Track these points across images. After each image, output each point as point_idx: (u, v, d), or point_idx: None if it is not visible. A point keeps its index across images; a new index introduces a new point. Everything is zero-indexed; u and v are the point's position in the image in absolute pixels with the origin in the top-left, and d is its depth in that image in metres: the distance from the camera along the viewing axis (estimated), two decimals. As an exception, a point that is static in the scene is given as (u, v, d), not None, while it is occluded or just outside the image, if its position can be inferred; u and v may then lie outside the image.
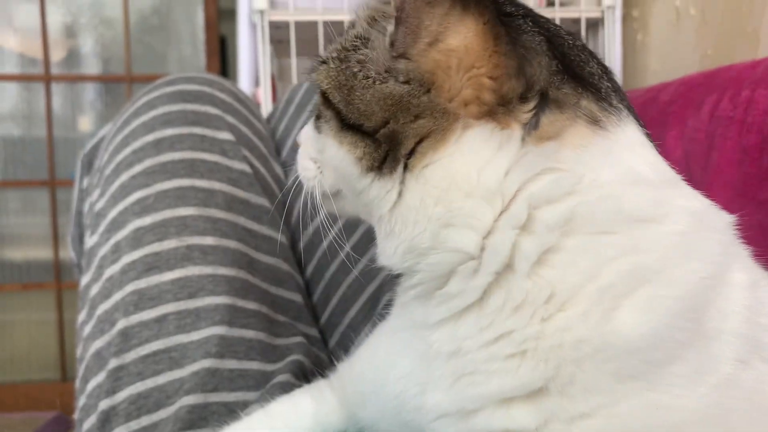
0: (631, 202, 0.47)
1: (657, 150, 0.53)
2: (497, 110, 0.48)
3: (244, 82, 1.85)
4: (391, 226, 0.52)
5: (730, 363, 0.45)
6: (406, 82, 0.49)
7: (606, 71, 0.54)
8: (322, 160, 0.57)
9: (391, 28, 0.50)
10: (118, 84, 3.08)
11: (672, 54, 1.63)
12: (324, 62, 0.55)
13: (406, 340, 0.54)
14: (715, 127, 1.05)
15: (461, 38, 0.48)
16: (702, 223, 0.49)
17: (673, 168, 0.53)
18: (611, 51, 1.71)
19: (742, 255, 0.51)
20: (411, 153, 0.49)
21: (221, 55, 3.20)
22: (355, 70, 0.52)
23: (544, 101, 0.48)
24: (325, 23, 1.63)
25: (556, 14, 1.68)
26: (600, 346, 0.44)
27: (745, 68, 1.06)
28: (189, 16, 3.14)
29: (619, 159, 0.49)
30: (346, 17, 1.64)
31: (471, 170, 0.48)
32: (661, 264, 0.46)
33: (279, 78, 1.98)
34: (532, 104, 0.48)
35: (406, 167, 0.50)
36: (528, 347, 0.46)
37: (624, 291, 0.45)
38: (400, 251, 0.51)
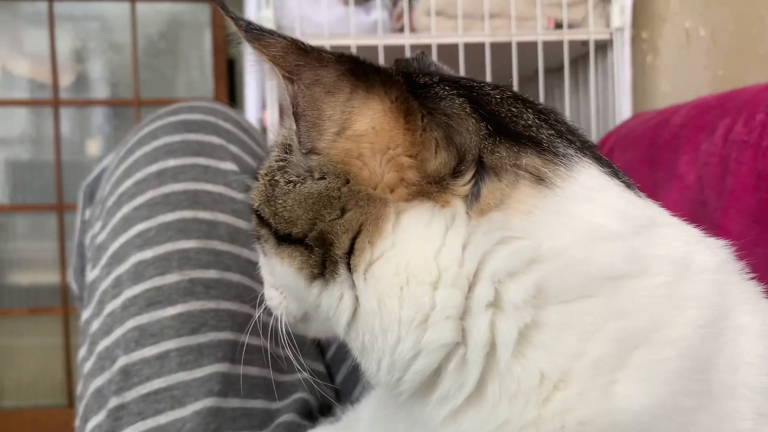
0: (599, 262, 0.43)
1: (631, 185, 0.49)
2: (430, 189, 0.44)
3: (251, 105, 1.84)
4: (360, 339, 0.47)
5: (750, 419, 0.42)
6: (322, 178, 0.46)
7: (546, 117, 0.50)
8: (278, 284, 0.54)
9: (294, 126, 0.47)
10: (126, 108, 3.09)
11: (682, 76, 1.61)
12: (255, 179, 0.53)
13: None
14: (729, 151, 1.03)
15: (368, 121, 0.45)
16: (689, 267, 0.44)
17: (647, 198, 0.49)
18: (620, 73, 1.70)
19: (747, 292, 0.46)
20: (350, 252, 0.46)
21: (229, 78, 3.21)
22: (278, 178, 0.49)
23: (482, 169, 0.45)
24: (333, 48, 1.63)
25: (565, 37, 1.67)
26: (604, 425, 0.41)
27: (759, 91, 1.04)
28: (197, 41, 3.16)
29: (575, 216, 0.44)
30: (352, 41, 1.63)
31: (425, 258, 0.44)
32: (651, 322, 0.42)
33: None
34: (468, 175, 0.44)
35: (350, 268, 0.46)
36: None
37: (617, 362, 0.41)
38: (384, 367, 0.46)
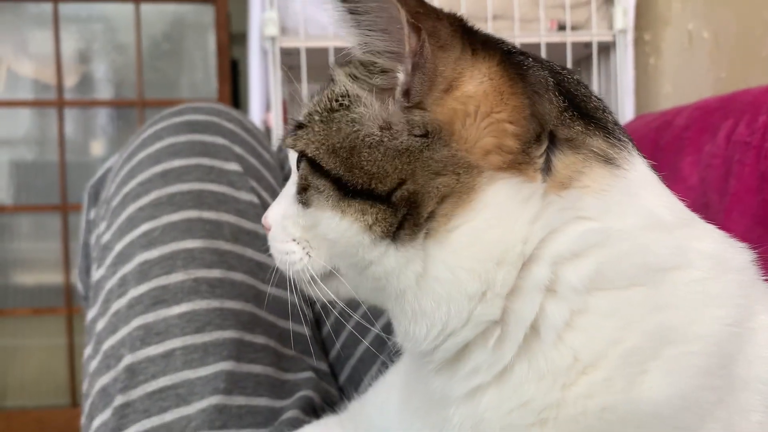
0: (655, 252, 0.44)
1: (663, 182, 0.50)
2: (520, 159, 0.44)
3: (255, 107, 1.85)
4: (419, 304, 0.46)
5: (760, 411, 0.43)
6: (423, 135, 0.45)
7: (605, 105, 0.51)
8: (311, 237, 0.51)
9: (402, 76, 0.46)
10: (130, 109, 3.09)
11: (685, 77, 1.61)
12: (301, 126, 0.50)
13: (420, 411, 0.51)
14: (732, 152, 1.03)
15: (476, 83, 0.45)
16: (720, 265, 0.46)
17: (684, 201, 0.51)
18: (623, 75, 1.70)
19: (765, 294, 0.48)
20: (430, 215, 0.44)
21: (233, 79, 3.22)
22: (352, 129, 0.47)
23: (554, 142, 0.45)
24: (336, 49, 1.63)
25: (568, 38, 1.67)
26: (626, 413, 0.42)
27: (761, 93, 1.04)
28: (200, 42, 3.17)
29: (639, 202, 0.46)
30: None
31: (500, 233, 0.43)
32: (685, 318, 0.43)
33: (290, 103, 1.98)
34: (543, 147, 0.45)
35: (426, 233, 0.45)
36: (548, 416, 0.43)
37: (649, 353, 0.42)
38: (432, 334, 0.45)
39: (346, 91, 0.49)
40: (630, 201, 0.45)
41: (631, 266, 0.43)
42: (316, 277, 0.51)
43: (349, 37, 0.48)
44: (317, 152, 0.48)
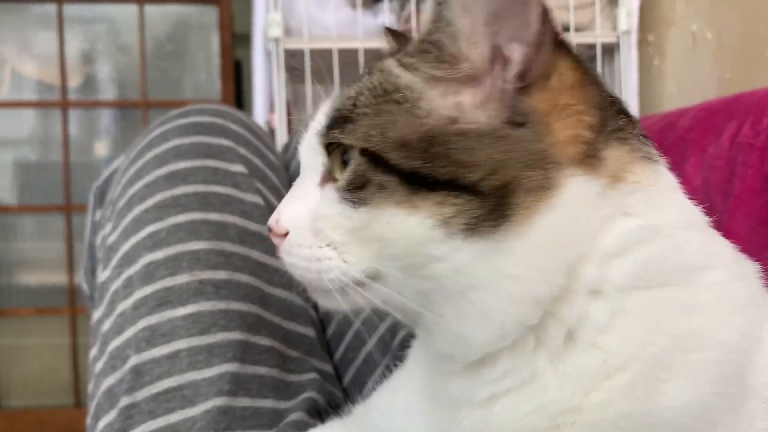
0: (690, 251, 0.44)
1: None
2: (588, 151, 0.44)
3: (259, 108, 1.85)
4: (484, 304, 0.43)
5: (764, 419, 0.43)
6: (522, 125, 0.43)
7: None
8: (355, 240, 0.46)
9: (518, 55, 0.44)
10: (133, 110, 3.10)
11: (689, 79, 1.61)
12: (348, 120, 0.47)
13: (428, 413, 0.51)
14: (735, 154, 1.03)
15: (564, 74, 0.45)
16: (737, 270, 0.46)
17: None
18: (627, 76, 1.70)
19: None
20: (514, 208, 0.42)
21: (236, 80, 3.22)
22: (434, 119, 0.45)
23: (604, 135, 0.45)
24: (340, 51, 1.64)
25: (571, 40, 1.67)
26: (643, 422, 0.41)
27: (765, 94, 1.04)
28: (204, 42, 3.17)
29: (676, 199, 0.46)
30: (360, 44, 1.64)
31: (574, 232, 0.42)
32: (709, 323, 0.43)
33: (294, 104, 1.98)
34: (603, 138, 0.45)
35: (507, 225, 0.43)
36: (564, 421, 0.42)
37: (676, 359, 0.42)
38: (492, 337, 0.44)
39: (411, 81, 0.47)
40: (670, 198, 0.46)
41: (671, 265, 0.43)
42: (353, 284, 0.47)
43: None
44: (381, 146, 0.45)
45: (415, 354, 0.56)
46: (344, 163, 0.47)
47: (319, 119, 0.50)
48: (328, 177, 0.49)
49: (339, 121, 0.48)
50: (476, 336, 0.45)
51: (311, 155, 0.51)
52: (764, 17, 1.33)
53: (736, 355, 0.43)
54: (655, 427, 0.41)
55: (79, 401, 2.96)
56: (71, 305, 2.95)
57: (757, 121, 1.01)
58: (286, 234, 0.50)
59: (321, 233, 0.48)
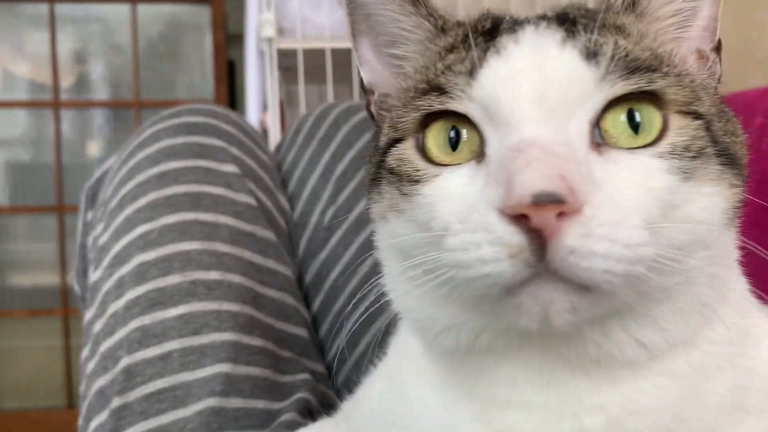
0: None
1: None
2: None
3: (252, 107, 1.85)
4: (719, 292, 0.44)
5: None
6: None
7: None
8: (665, 222, 0.39)
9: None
10: (126, 110, 3.09)
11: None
12: (655, 69, 0.42)
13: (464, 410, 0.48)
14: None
15: None
16: None
17: None
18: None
19: None
20: None
21: (230, 80, 3.22)
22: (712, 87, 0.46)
23: None
24: (333, 51, 1.63)
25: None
26: None
27: (757, 95, 1.05)
28: (197, 43, 3.17)
29: None
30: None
31: None
32: None
33: (288, 104, 1.98)
34: None
35: None
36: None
37: None
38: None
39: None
40: None
41: None
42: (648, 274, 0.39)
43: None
44: (712, 110, 0.43)
45: (410, 353, 0.55)
46: (632, 122, 0.41)
47: (591, 49, 0.41)
48: (596, 139, 0.41)
49: (641, 68, 0.41)
50: (682, 332, 0.43)
51: (564, 104, 0.41)
52: (756, 19, 1.34)
53: None
54: None
55: (73, 402, 2.95)
56: (64, 306, 2.94)
57: (748, 121, 1.01)
58: (572, 210, 0.37)
59: (648, 212, 0.39)
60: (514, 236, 0.37)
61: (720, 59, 0.49)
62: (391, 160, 0.46)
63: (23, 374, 3.00)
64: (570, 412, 0.44)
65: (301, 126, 1.01)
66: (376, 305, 0.63)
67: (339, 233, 0.88)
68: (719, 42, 0.49)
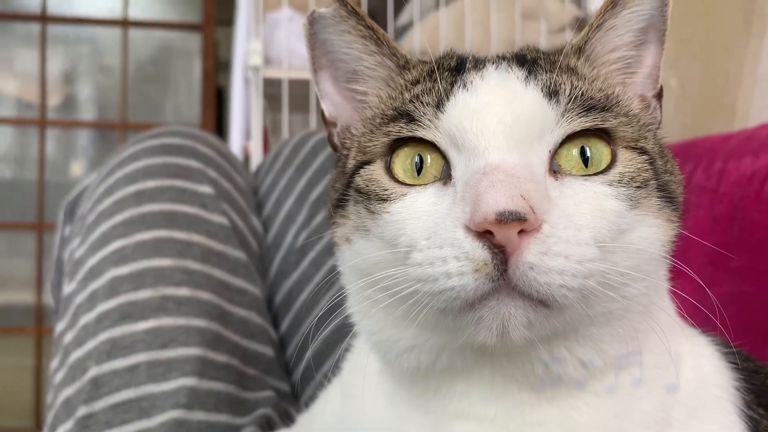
0: None
1: None
2: None
3: (236, 134, 1.87)
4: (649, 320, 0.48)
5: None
6: None
7: None
8: (613, 244, 0.43)
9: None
10: (112, 131, 3.11)
11: (653, 123, 1.67)
12: (607, 109, 0.46)
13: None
14: (689, 196, 1.07)
15: None
16: None
17: None
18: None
19: None
20: None
21: (218, 106, 3.25)
22: (655, 134, 0.51)
23: None
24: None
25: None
26: None
27: (719, 141, 1.09)
28: (186, 68, 3.20)
29: None
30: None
31: None
32: None
33: (272, 132, 2.01)
34: None
35: None
36: None
37: None
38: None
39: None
40: None
41: None
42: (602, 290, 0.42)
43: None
44: (654, 148, 0.48)
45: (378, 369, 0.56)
46: (582, 156, 0.45)
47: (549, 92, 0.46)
48: (553, 167, 0.45)
49: (591, 106, 0.46)
50: (611, 354, 0.48)
51: (527, 136, 0.44)
52: (723, 68, 1.39)
53: None
54: None
55: (40, 423, 2.90)
56: (38, 325, 2.91)
57: (709, 165, 1.05)
58: (532, 228, 0.40)
59: (600, 232, 0.43)
60: (478, 251, 0.40)
61: (660, 106, 0.53)
62: (359, 180, 0.49)
63: (-9, 393, 2.95)
64: (512, 426, 0.47)
65: (280, 152, 1.04)
66: (342, 327, 0.65)
67: (311, 255, 0.91)
68: (661, 89, 0.53)
